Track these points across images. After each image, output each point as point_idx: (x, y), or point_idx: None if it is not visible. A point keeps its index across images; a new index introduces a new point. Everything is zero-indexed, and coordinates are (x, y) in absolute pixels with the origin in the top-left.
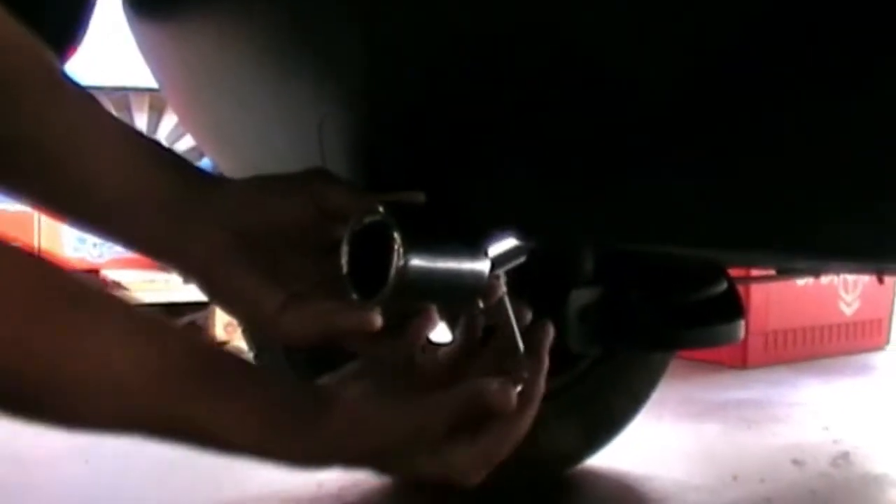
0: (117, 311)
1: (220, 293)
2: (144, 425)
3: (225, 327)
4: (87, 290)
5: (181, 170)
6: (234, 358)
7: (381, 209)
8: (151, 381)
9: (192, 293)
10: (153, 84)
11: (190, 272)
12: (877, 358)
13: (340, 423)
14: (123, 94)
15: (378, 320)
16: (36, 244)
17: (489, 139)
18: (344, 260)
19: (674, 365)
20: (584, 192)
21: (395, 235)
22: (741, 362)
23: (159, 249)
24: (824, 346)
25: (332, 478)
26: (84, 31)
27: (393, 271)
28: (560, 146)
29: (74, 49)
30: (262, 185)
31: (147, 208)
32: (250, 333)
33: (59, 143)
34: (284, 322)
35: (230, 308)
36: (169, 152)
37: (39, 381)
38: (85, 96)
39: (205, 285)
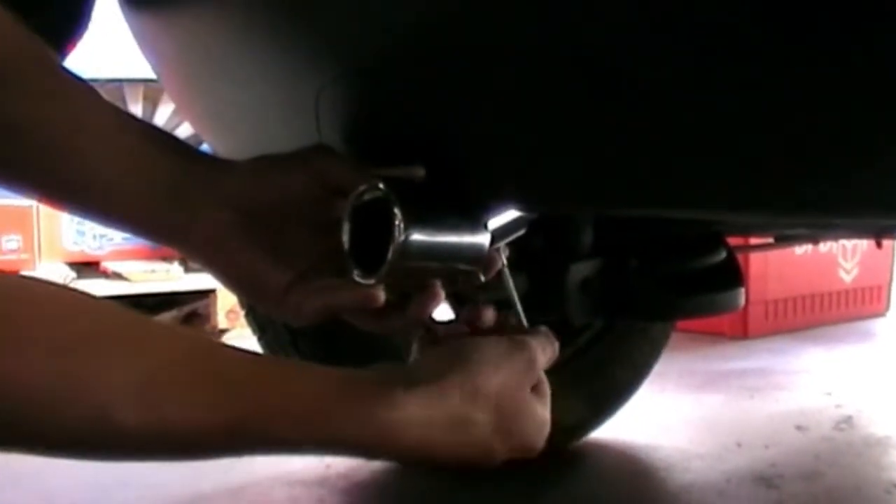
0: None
1: (224, 272)
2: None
3: (227, 315)
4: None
5: (182, 152)
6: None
7: (381, 185)
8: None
9: (192, 283)
10: (148, 75)
11: (194, 252)
12: (877, 324)
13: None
14: (118, 85)
15: (380, 296)
16: (35, 238)
17: (487, 111)
18: (345, 236)
19: (675, 337)
20: (582, 159)
21: (396, 211)
22: (742, 332)
23: (163, 231)
24: (824, 313)
25: (340, 460)
26: (86, 26)
27: (394, 246)
28: (558, 115)
29: (75, 43)
30: (263, 164)
31: (150, 191)
32: (254, 313)
33: (59, 132)
34: (289, 300)
35: (235, 286)
36: (169, 136)
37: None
38: (83, 87)
39: (210, 264)
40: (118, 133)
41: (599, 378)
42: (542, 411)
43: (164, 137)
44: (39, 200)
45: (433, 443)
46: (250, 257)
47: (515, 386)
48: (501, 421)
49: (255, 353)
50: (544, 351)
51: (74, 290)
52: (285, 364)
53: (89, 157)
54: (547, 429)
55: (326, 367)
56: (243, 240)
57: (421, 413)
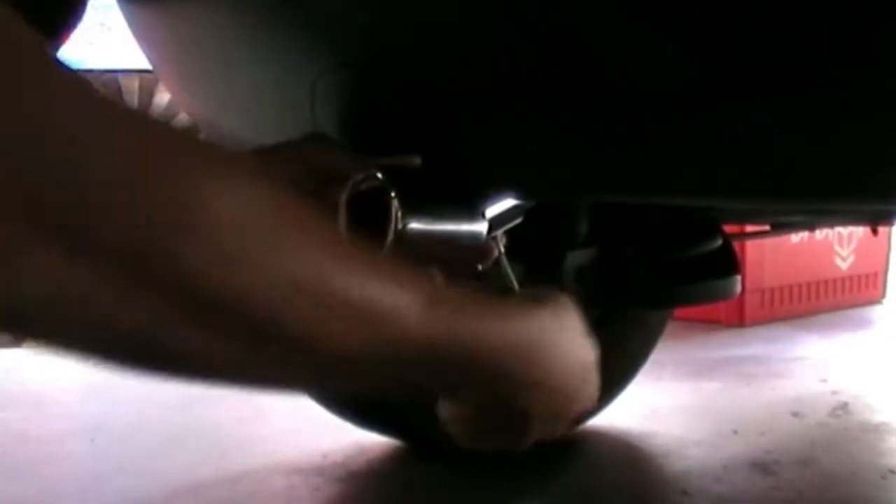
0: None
1: None
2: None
3: None
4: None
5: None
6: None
7: (378, 174)
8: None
9: None
10: (142, 66)
11: None
12: (873, 312)
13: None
14: (113, 76)
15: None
16: None
17: (485, 99)
18: (342, 225)
19: (671, 325)
20: (580, 146)
21: (393, 199)
22: (738, 320)
23: None
24: (821, 301)
25: (337, 449)
26: (80, 16)
27: (391, 234)
28: (555, 102)
29: (69, 33)
30: (258, 155)
31: None
32: None
33: None
34: None
35: None
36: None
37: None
38: (78, 80)
39: None
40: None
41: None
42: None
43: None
44: None
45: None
46: None
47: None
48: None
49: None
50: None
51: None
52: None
53: None
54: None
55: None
56: None
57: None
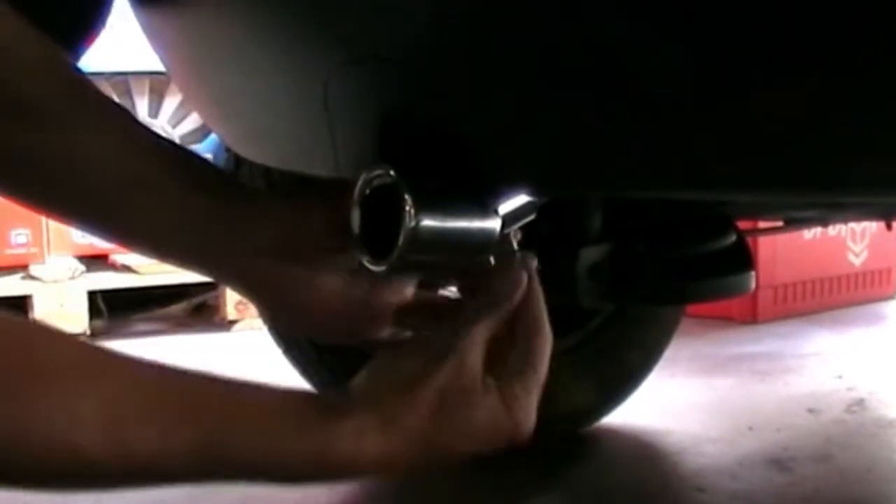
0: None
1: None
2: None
3: (236, 306)
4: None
5: (207, 188)
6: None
7: (391, 171)
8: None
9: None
10: (154, 68)
11: (237, 287)
12: (887, 307)
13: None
14: (124, 78)
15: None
16: (44, 231)
17: (498, 95)
18: (355, 222)
19: (684, 323)
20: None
21: (406, 196)
22: (751, 317)
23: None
24: (834, 297)
25: None
26: (104, 22)
27: (404, 232)
28: (569, 96)
29: (93, 39)
30: (285, 207)
31: (181, 230)
32: (277, 330)
33: (73, 153)
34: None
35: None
36: (192, 161)
37: None
38: (102, 100)
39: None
40: (135, 158)
41: (610, 363)
42: (493, 403)
43: (188, 168)
44: (50, 217)
45: (366, 451)
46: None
47: (446, 386)
48: (437, 420)
49: (208, 376)
50: (484, 323)
51: (22, 320)
52: (240, 387)
53: (107, 184)
54: (505, 420)
55: (278, 388)
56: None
57: (353, 424)
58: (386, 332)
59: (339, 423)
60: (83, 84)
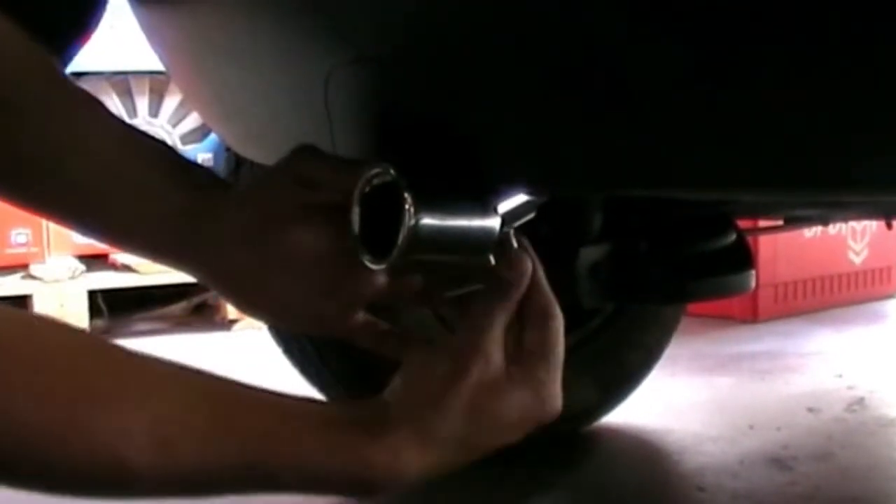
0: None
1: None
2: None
3: None
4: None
5: (186, 183)
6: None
7: (391, 170)
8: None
9: None
10: (154, 67)
11: (219, 290)
12: (887, 306)
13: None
14: (124, 78)
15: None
16: (44, 231)
17: (498, 93)
18: (354, 221)
19: (685, 321)
20: (594, 139)
21: (406, 195)
22: (752, 316)
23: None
24: (834, 296)
25: None
26: (98, 19)
27: (404, 230)
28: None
29: (88, 37)
30: (257, 187)
31: (162, 225)
32: (276, 330)
33: (65, 154)
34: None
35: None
36: (174, 159)
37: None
38: (87, 100)
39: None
40: (122, 155)
41: (610, 362)
42: (520, 392)
43: (167, 159)
44: (47, 219)
45: (405, 465)
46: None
47: (476, 385)
48: (471, 421)
49: (249, 387)
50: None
51: (81, 331)
52: (280, 400)
53: (98, 185)
54: (534, 405)
55: (315, 401)
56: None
57: (391, 439)
58: (360, 319)
59: (379, 439)
60: (65, 83)
